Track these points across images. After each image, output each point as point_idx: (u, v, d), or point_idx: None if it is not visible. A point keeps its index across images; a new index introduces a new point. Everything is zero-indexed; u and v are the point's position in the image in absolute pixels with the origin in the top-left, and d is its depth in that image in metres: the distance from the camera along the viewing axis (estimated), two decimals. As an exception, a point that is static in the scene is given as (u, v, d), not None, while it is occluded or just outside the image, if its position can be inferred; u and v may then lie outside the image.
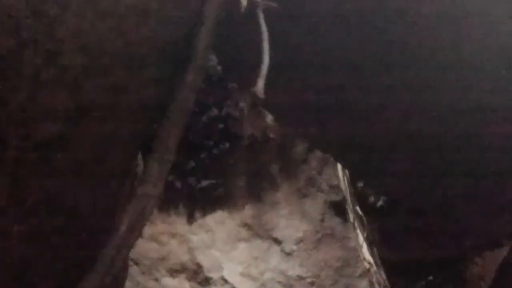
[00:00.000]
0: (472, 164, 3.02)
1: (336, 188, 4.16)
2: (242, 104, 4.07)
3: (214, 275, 3.90)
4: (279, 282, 3.97)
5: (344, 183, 4.13)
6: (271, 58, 2.51)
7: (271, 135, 4.13)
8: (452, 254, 3.63)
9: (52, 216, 2.42)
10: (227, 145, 4.06)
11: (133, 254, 3.44)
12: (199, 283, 3.86)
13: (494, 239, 3.53)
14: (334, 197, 4.17)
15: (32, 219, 2.38)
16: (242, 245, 4.02)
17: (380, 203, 3.77)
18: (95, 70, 2.25)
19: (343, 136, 3.07)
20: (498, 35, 2.71)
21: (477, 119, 2.90)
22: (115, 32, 2.23)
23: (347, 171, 4.02)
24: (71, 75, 2.21)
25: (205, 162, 4.02)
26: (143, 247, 3.72)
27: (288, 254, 4.06)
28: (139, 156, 2.67)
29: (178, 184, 3.96)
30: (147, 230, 3.64)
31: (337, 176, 4.17)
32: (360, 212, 4.09)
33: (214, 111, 4.01)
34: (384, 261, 3.87)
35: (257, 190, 4.08)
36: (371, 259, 4.04)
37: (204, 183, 4.00)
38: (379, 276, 3.93)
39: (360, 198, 3.96)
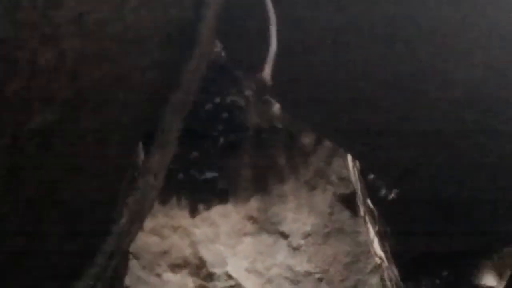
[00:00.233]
0: (488, 156, 3.00)
1: (346, 180, 4.11)
2: (248, 93, 4.02)
3: (218, 271, 3.86)
4: (286, 278, 3.93)
5: (354, 175, 4.11)
6: (278, 44, 2.49)
7: (278, 125, 4.07)
8: (468, 249, 3.62)
9: (50, 206, 2.39)
10: (232, 135, 4.00)
11: (133, 248, 3.43)
12: (202, 279, 3.82)
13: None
14: (344, 190, 4.12)
15: (29, 209, 2.34)
16: (248, 239, 3.96)
17: (392, 195, 3.76)
18: (95, 55, 2.21)
19: (354, 126, 3.05)
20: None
21: (493, 112, 2.88)
22: (115, 15, 2.18)
23: (357, 163, 3.99)
24: (69, 60, 2.16)
25: (209, 153, 3.98)
26: (144, 241, 3.68)
27: (296, 249, 4.01)
28: (140, 145, 2.64)
29: (181, 176, 3.89)
30: (148, 223, 3.61)
31: (347, 168, 4.13)
32: (371, 205, 4.08)
33: (218, 100, 3.96)
34: (396, 256, 3.85)
35: (263, 182, 4.04)
36: (382, 254, 4.03)
37: (208, 174, 3.95)
38: (391, 271, 3.92)
39: (371, 190, 3.93)
